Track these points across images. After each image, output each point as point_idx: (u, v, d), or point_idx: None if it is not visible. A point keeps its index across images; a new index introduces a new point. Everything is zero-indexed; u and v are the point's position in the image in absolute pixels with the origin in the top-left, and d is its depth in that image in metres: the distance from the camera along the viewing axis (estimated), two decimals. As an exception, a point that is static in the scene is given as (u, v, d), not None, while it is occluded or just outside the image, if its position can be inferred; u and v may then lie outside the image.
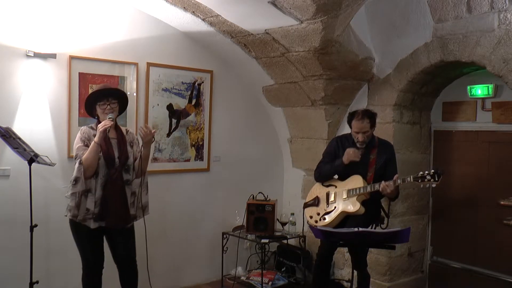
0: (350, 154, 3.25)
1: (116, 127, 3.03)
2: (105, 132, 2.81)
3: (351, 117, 3.34)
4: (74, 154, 2.92)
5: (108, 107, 2.91)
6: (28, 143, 3.00)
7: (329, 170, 3.45)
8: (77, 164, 2.82)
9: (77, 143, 2.92)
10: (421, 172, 3.03)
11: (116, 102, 2.96)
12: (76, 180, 2.81)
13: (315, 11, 3.18)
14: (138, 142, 3.11)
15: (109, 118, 2.86)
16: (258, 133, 4.84)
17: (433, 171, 2.99)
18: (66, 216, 2.94)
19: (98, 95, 2.95)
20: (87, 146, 2.86)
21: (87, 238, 2.93)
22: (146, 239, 3.16)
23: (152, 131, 2.98)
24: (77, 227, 2.91)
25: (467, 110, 4.04)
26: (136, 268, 3.13)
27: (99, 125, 2.84)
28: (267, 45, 3.89)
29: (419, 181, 3.01)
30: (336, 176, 3.54)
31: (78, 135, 2.95)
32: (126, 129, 3.17)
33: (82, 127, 3.03)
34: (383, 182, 3.08)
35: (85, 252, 2.97)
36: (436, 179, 2.96)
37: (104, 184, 2.88)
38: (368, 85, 4.26)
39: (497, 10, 3.16)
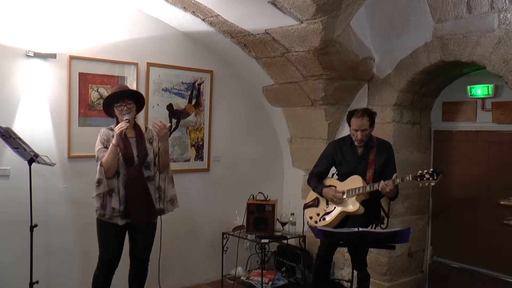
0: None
1: (134, 125, 3.09)
2: (121, 134, 2.88)
3: (351, 115, 3.36)
4: (95, 156, 2.98)
5: (125, 108, 2.98)
6: (28, 143, 3.00)
7: (315, 188, 3.50)
8: (98, 166, 2.91)
9: (97, 145, 3.00)
10: (420, 171, 3.04)
11: (132, 102, 3.02)
12: (99, 182, 2.91)
13: (315, 11, 3.18)
14: (157, 138, 3.14)
15: (125, 119, 2.92)
16: (258, 133, 4.84)
17: (431, 170, 3.00)
18: (95, 216, 3.00)
19: (114, 97, 3.01)
20: (106, 147, 2.93)
21: (111, 234, 3.01)
22: (161, 236, 3.21)
23: (167, 125, 3.03)
24: (104, 225, 3.00)
25: (467, 110, 4.04)
26: (147, 268, 3.20)
27: (115, 128, 2.91)
28: (267, 45, 3.89)
29: (418, 180, 3.02)
30: (335, 177, 3.55)
31: (98, 137, 3.03)
32: (146, 126, 3.23)
33: (102, 128, 3.09)
34: (382, 181, 3.09)
35: (105, 247, 3.04)
36: (435, 178, 2.98)
37: (125, 183, 2.95)
38: (368, 85, 4.26)
39: (497, 10, 3.16)
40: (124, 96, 3.00)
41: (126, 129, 2.90)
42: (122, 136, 2.91)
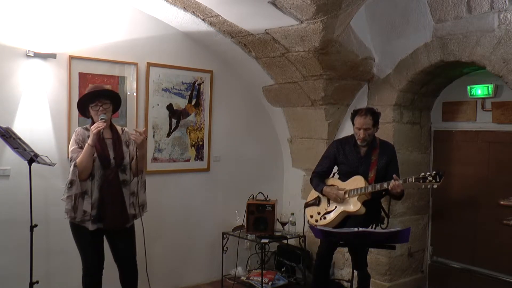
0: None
1: (111, 126, 3.02)
2: (98, 134, 2.80)
3: (355, 113, 3.36)
4: (69, 156, 2.91)
5: (101, 108, 2.89)
6: (28, 143, 2.99)
7: (316, 186, 3.50)
8: (72, 167, 2.81)
9: (71, 145, 2.91)
10: (423, 173, 3.04)
11: (108, 102, 2.94)
12: (71, 183, 2.80)
13: (315, 11, 3.18)
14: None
15: (101, 119, 2.84)
16: (258, 133, 4.84)
17: (434, 172, 3.01)
18: (65, 218, 2.94)
19: (89, 97, 2.92)
20: (81, 148, 2.85)
21: (87, 240, 2.92)
22: (144, 239, 3.16)
23: (142, 130, 2.99)
24: (77, 229, 2.92)
25: (467, 110, 4.04)
26: (136, 268, 3.13)
27: (92, 127, 2.82)
28: (267, 45, 3.89)
29: (421, 181, 3.03)
30: (337, 177, 3.55)
31: (73, 136, 2.94)
32: (122, 128, 3.15)
33: (77, 128, 3.02)
34: (393, 181, 3.08)
35: (86, 254, 2.96)
36: (438, 180, 2.98)
37: (100, 185, 2.87)
38: (368, 85, 4.26)
39: (497, 10, 3.16)
40: (99, 96, 2.91)
41: (103, 128, 2.83)
42: (100, 136, 2.84)
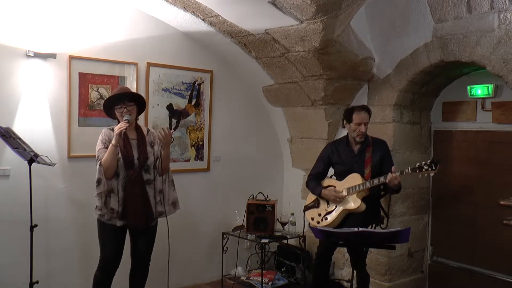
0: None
1: (136, 127, 3.10)
2: (121, 134, 2.88)
3: (351, 111, 3.41)
4: (96, 155, 2.99)
5: (125, 109, 2.99)
6: (28, 143, 3.00)
7: (313, 190, 3.51)
8: (97, 166, 2.91)
9: (98, 145, 3.01)
10: (418, 163, 3.09)
11: (132, 104, 3.04)
12: (98, 182, 2.92)
13: (315, 11, 3.18)
14: (159, 141, 3.16)
15: (125, 120, 2.93)
16: (258, 133, 4.84)
17: (429, 161, 3.07)
18: (95, 215, 3.00)
19: (114, 99, 3.02)
20: (107, 148, 2.93)
21: (111, 237, 3.02)
22: (169, 237, 3.22)
23: (171, 131, 3.07)
24: (104, 225, 3.01)
25: (467, 110, 4.04)
26: (148, 266, 3.22)
27: (115, 128, 2.91)
28: (267, 45, 3.89)
29: (417, 171, 3.07)
30: (333, 177, 3.55)
31: (100, 137, 3.04)
32: (147, 129, 3.23)
33: (103, 128, 3.10)
34: (389, 174, 3.10)
35: (107, 250, 3.04)
36: (434, 168, 3.03)
37: (124, 184, 2.96)
38: (368, 85, 4.26)
39: (497, 10, 3.16)
40: (124, 98, 3.01)
41: (126, 129, 2.90)
42: (122, 137, 2.92)
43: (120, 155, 2.94)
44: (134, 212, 2.95)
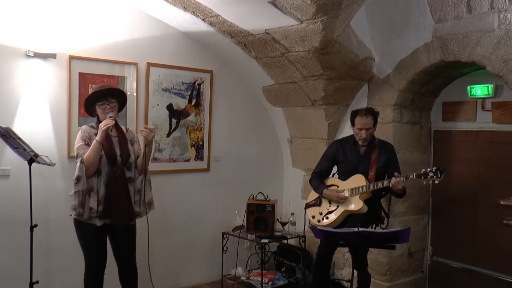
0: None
1: (116, 125, 3.05)
2: (107, 130, 2.86)
3: (355, 114, 3.37)
4: (75, 153, 2.94)
5: (108, 106, 2.96)
6: (28, 143, 3.00)
7: (316, 188, 3.50)
8: (78, 163, 2.85)
9: (78, 142, 2.95)
10: (424, 170, 3.07)
11: (115, 101, 3.01)
12: (78, 179, 2.83)
13: (315, 11, 3.18)
14: (138, 140, 3.19)
15: (110, 117, 2.90)
16: (258, 133, 4.84)
17: (435, 168, 3.04)
18: (71, 215, 2.95)
19: (97, 95, 2.98)
20: (88, 145, 2.89)
21: (92, 237, 2.95)
22: (149, 237, 3.18)
23: (151, 127, 3.07)
24: (82, 226, 2.94)
25: (467, 110, 4.04)
26: (135, 266, 3.15)
27: (101, 124, 2.87)
28: (267, 45, 3.89)
29: (422, 178, 3.05)
30: (337, 176, 3.55)
31: (79, 134, 2.98)
32: (126, 128, 3.22)
33: (83, 126, 3.06)
34: (393, 178, 3.09)
35: (89, 252, 2.99)
36: (439, 176, 3.01)
37: (107, 182, 2.91)
38: (368, 85, 4.26)
39: (497, 10, 3.16)
40: (108, 95, 2.97)
41: (112, 126, 2.89)
42: (108, 133, 2.88)
43: (103, 152, 2.89)
44: (117, 209, 2.90)
